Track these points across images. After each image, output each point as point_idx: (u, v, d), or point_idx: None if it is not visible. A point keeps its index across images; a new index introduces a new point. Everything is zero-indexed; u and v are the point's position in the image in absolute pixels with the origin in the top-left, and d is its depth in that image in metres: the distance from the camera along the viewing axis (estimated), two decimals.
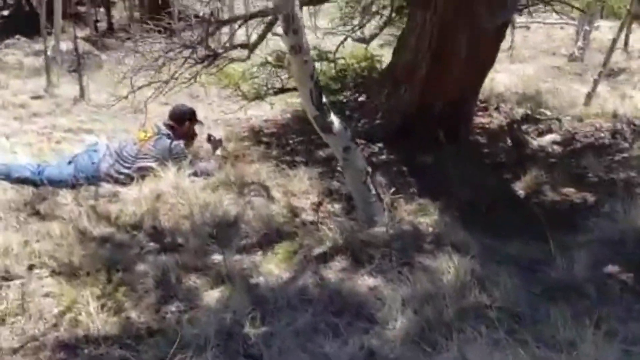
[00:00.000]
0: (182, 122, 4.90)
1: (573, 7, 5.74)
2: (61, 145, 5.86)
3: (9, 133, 6.16)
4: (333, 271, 3.19)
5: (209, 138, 5.11)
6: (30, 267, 3.18)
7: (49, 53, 9.85)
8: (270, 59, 5.70)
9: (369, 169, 3.61)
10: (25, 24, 12.64)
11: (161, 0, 14.12)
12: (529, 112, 6.11)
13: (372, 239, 3.42)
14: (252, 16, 4.71)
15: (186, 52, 4.83)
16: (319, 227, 3.68)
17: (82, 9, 13.87)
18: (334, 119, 3.47)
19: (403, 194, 4.20)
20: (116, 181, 4.48)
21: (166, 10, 5.78)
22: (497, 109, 6.02)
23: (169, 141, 4.61)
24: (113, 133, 6.26)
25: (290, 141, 5.62)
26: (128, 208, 3.93)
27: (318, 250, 3.36)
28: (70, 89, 8.14)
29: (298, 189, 4.35)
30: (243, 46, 4.73)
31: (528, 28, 11.46)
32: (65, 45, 10.76)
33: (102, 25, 14.17)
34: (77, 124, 6.69)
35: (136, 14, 13.18)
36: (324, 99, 3.44)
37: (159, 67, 4.65)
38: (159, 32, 4.86)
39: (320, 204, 4.23)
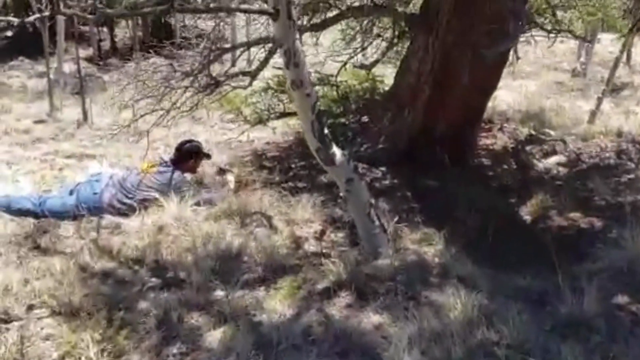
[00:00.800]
0: (187, 159, 4.89)
1: (576, 37, 5.67)
2: (64, 172, 5.84)
3: (11, 160, 6.14)
4: (337, 308, 3.12)
5: (219, 170, 5.06)
6: (30, 307, 3.12)
7: (51, 76, 9.88)
8: (271, 83, 5.66)
9: (372, 201, 3.55)
10: (29, 45, 12.68)
11: (164, 21, 14.25)
12: (533, 132, 6.05)
13: (376, 272, 3.35)
14: (253, 44, 4.67)
15: (187, 81, 4.79)
16: (323, 259, 3.62)
17: (85, 29, 13.89)
18: (336, 151, 3.42)
19: (407, 222, 4.14)
20: (118, 212, 4.43)
21: (168, 32, 5.76)
22: (500, 129, 5.96)
23: (171, 173, 4.56)
24: (116, 159, 6.25)
25: (293, 165, 5.56)
26: (130, 241, 3.88)
27: (322, 285, 3.29)
28: (73, 112, 8.13)
29: (301, 217, 4.29)
30: (245, 74, 4.68)
31: (529, 43, 11.43)
32: (68, 67, 10.80)
33: (106, 44, 14.24)
34: (80, 149, 6.66)
35: (139, 34, 13.18)
36: (326, 131, 3.39)
37: (161, 96, 4.61)
38: (165, 56, 4.84)
39: (323, 233, 4.17)
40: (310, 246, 3.97)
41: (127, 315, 3.07)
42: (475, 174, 5.06)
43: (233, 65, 5.03)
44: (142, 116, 4.74)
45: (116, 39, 14.35)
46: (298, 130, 6.76)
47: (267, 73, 6.14)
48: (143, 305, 3.16)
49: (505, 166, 5.26)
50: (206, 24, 11.65)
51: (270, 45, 4.70)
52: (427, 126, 4.87)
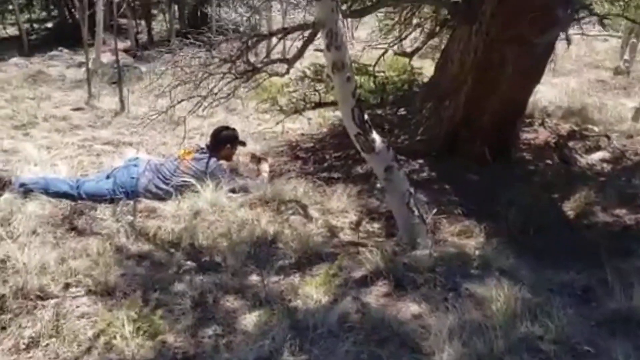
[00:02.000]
0: (223, 145, 4.85)
1: (628, 19, 5.48)
2: (101, 158, 5.86)
3: (50, 145, 6.20)
4: (374, 296, 3.05)
5: (253, 156, 5.03)
6: (66, 286, 3.12)
7: (90, 65, 10.00)
8: (308, 72, 5.60)
9: (412, 190, 3.46)
10: (69, 36, 12.87)
11: (200, 13, 14.31)
12: (575, 128, 5.87)
13: (415, 262, 3.27)
14: (292, 30, 4.61)
15: (225, 67, 4.76)
16: (359, 248, 3.55)
17: (123, 21, 14.05)
18: (376, 137, 3.34)
19: (446, 214, 4.04)
20: (155, 196, 4.42)
21: (206, 25, 5.76)
22: (542, 124, 5.80)
23: (207, 160, 4.53)
24: (152, 146, 6.28)
25: (328, 156, 5.50)
26: (166, 225, 3.86)
27: (358, 274, 3.22)
28: (110, 101, 8.19)
29: (336, 207, 4.23)
30: (282, 60, 4.63)
31: (569, 41, 11.17)
32: (106, 58, 10.93)
33: (143, 37, 14.38)
34: (117, 136, 6.70)
35: (176, 27, 13.26)
36: (366, 117, 3.32)
37: (198, 81, 4.59)
38: (199, 46, 4.81)
39: (359, 223, 4.10)
40: (346, 235, 3.91)
41: (163, 296, 3.05)
42: (516, 168, 4.92)
43: (268, 54, 4.96)
44: (179, 102, 4.71)
45: (153, 32, 14.50)
46: (333, 122, 6.72)
47: (304, 62, 6.11)
48: (179, 287, 3.13)
49: (547, 161, 5.11)
50: (242, 18, 11.70)
51: (309, 31, 4.64)
52: (468, 118, 4.75)
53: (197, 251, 3.57)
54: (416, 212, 3.45)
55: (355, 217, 4.18)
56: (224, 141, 4.78)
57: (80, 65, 10.59)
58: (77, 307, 2.94)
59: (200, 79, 4.67)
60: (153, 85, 5.70)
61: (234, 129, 4.95)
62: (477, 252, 3.52)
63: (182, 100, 4.77)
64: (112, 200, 4.35)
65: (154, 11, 15.81)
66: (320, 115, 6.67)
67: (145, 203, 4.27)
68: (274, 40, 4.93)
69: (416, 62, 6.76)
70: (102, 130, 6.97)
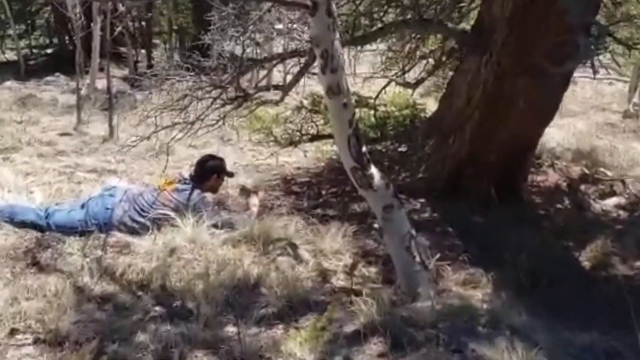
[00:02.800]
0: (209, 176, 4.39)
1: None
2: (81, 186, 5.46)
3: (30, 171, 5.82)
4: (368, 356, 2.61)
5: (243, 189, 4.63)
6: (12, 332, 2.69)
7: (83, 91, 9.69)
8: (305, 102, 5.25)
9: (414, 232, 3.05)
10: (67, 62, 12.62)
11: (202, 44, 14.11)
12: (586, 171, 5.49)
13: (415, 316, 2.84)
14: (287, 56, 4.29)
15: (215, 92, 4.43)
16: (352, 297, 3.12)
17: (124, 49, 13.83)
18: (375, 172, 2.95)
19: (450, 261, 3.63)
20: (130, 230, 4.01)
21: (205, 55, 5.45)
22: (551, 165, 5.42)
23: (190, 191, 4.13)
24: (138, 175, 5.89)
25: (323, 192, 5.11)
26: (137, 263, 3.44)
27: (350, 328, 2.79)
28: (100, 127, 7.85)
29: (329, 248, 3.81)
30: (276, 87, 4.30)
31: (575, 83, 10.87)
32: (101, 84, 10.62)
33: (144, 66, 14.14)
34: (102, 164, 6.31)
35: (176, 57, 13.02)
36: (364, 149, 2.93)
37: (185, 106, 4.24)
38: (187, 69, 4.47)
39: (354, 266, 3.68)
40: (339, 281, 3.49)
41: (122, 348, 2.62)
42: (525, 212, 4.52)
43: (260, 80, 4.61)
44: (163, 128, 4.37)
45: (154, 61, 14.25)
46: (331, 156, 6.34)
47: (303, 92, 5.78)
48: (141, 337, 2.70)
49: (558, 205, 4.71)
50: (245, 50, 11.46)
51: (305, 58, 4.31)
52: (474, 156, 4.38)
53: (168, 294, 3.15)
54: (417, 258, 3.03)
55: (350, 259, 3.76)
56: (209, 171, 4.37)
57: (74, 90, 10.28)
58: (20, 358, 2.51)
59: (187, 103, 4.33)
60: (145, 112, 5.35)
61: (221, 159, 4.55)
62: (484, 306, 3.10)
63: (167, 126, 4.42)
64: (83, 233, 3.93)
65: (156, 40, 15.65)
66: (318, 150, 6.30)
67: (118, 237, 3.86)
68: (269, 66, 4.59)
69: (420, 99, 6.44)
70: (87, 157, 6.59)
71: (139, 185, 4.95)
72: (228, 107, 4.23)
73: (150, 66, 13.87)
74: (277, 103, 4.29)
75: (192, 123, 4.30)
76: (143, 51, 14.58)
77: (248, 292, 3.16)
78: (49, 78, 12.11)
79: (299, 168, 6.05)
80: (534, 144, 4.59)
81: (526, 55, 3.88)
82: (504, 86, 4.06)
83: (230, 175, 4.62)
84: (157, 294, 3.14)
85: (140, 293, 3.14)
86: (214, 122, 4.44)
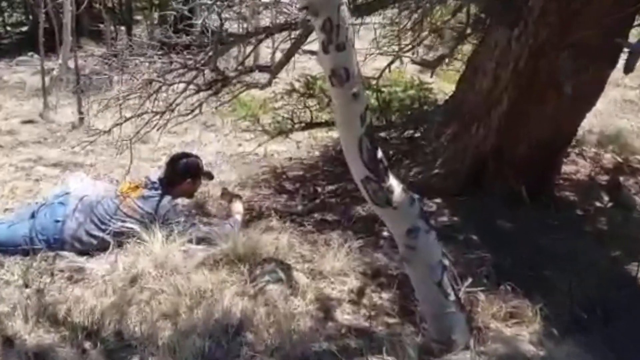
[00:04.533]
0: (182, 179, 3.56)
1: None
2: (41, 184, 4.67)
3: None
4: None
5: (224, 193, 3.83)
6: None
7: (54, 72, 8.82)
8: (297, 85, 4.43)
9: (446, 262, 2.28)
10: (44, 41, 11.68)
11: (184, 20, 13.12)
12: (619, 158, 4.74)
13: None
14: (275, 30, 3.47)
15: (189, 76, 3.62)
16: (364, 342, 2.38)
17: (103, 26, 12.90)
18: (395, 184, 2.17)
19: (482, 286, 2.86)
20: (86, 247, 3.23)
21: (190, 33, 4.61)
22: (580, 153, 4.66)
23: (159, 199, 3.34)
24: (108, 169, 5.08)
25: (319, 189, 4.32)
26: (89, 298, 2.67)
27: None
28: (70, 113, 7.00)
29: (330, 268, 3.04)
30: (262, 69, 3.48)
31: None
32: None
33: (124, 44, 13.17)
34: (68, 156, 5.50)
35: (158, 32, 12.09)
36: (380, 154, 2.15)
37: (149, 94, 3.43)
38: (155, 47, 3.66)
39: (362, 292, 2.93)
40: (345, 314, 2.73)
41: None
42: (560, 213, 3.76)
43: (244, 61, 3.77)
44: (127, 119, 3.56)
45: (134, 38, 13.30)
46: (327, 143, 5.54)
47: (292, 74, 4.97)
48: None
49: (597, 204, 3.95)
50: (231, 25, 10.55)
51: (298, 32, 3.50)
52: (501, 147, 3.61)
53: (123, 345, 2.38)
54: (452, 296, 2.27)
55: (357, 281, 3.00)
56: (183, 174, 3.55)
57: (47, 72, 9.42)
58: None
59: (155, 90, 3.52)
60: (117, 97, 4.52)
61: (196, 157, 3.72)
62: (540, 353, 2.35)
63: (132, 117, 3.61)
64: (28, 252, 3.15)
65: (138, 17, 14.67)
66: (311, 135, 5.51)
67: (69, 259, 3.08)
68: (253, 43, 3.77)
69: (423, 76, 5.62)
70: (52, 149, 5.76)
71: (104, 184, 4.14)
72: (204, 94, 3.43)
73: (130, 44, 12.96)
74: (263, 87, 3.49)
75: (162, 113, 3.49)
76: (123, 28, 13.64)
77: (228, 339, 2.39)
78: (21, 58, 11.20)
79: (290, 159, 5.26)
80: (573, 134, 3.82)
81: (571, 27, 3.09)
82: (541, 64, 3.27)
83: (209, 177, 3.82)
84: (110, 345, 2.37)
85: (87, 344, 2.36)
86: (188, 111, 3.63)
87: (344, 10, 1.91)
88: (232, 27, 6.89)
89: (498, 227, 3.55)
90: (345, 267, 3.07)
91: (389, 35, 4.83)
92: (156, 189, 3.39)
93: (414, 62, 4.34)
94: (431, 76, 4.20)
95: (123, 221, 3.24)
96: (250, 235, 3.19)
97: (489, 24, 3.55)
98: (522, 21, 3.26)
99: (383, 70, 4.43)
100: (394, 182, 2.18)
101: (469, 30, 3.90)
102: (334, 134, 5.53)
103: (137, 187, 3.43)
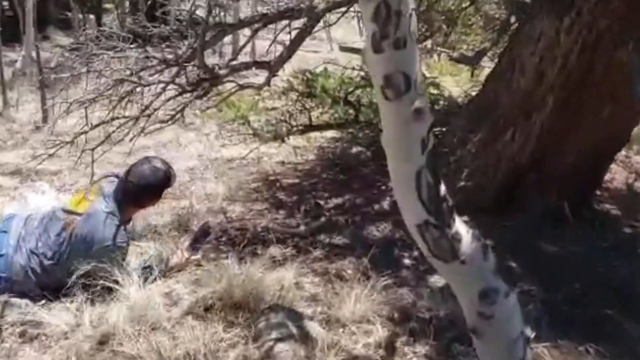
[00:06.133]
0: (148, 199, 2.84)
1: None
2: None
3: None
4: None
5: (203, 229, 3.09)
6: None
7: (17, 65, 8.05)
8: (295, 82, 3.79)
9: (529, 333, 1.68)
10: (7, 31, 10.81)
11: (160, 10, 12.25)
12: None
13: None
14: (274, 19, 2.82)
15: (169, 73, 2.97)
16: None
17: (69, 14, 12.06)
18: (462, 229, 1.57)
19: (545, 339, 2.27)
20: (43, 285, 2.56)
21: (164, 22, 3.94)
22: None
23: (114, 224, 2.63)
24: (74, 177, 4.39)
25: (322, 202, 3.70)
26: None
27: None
28: (33, 110, 6.25)
29: (349, 313, 2.43)
30: (259, 65, 2.83)
31: None
32: (42, 55, 8.92)
33: (92, 33, 12.31)
34: (30, 162, 4.76)
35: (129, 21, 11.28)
36: (443, 190, 1.54)
37: (123, 96, 2.76)
38: (127, 40, 2.99)
39: (392, 346, 2.33)
40: None
41: None
42: (606, 231, 3.20)
43: (236, 55, 3.09)
44: (92, 128, 2.89)
45: (104, 27, 12.45)
46: (320, 145, 4.91)
47: (288, 69, 4.31)
48: None
49: None
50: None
51: (301, 22, 2.86)
52: (542, 157, 3.02)
53: None
54: None
55: (384, 330, 2.39)
56: (151, 193, 2.81)
57: (10, 64, 8.60)
58: None
59: (127, 91, 2.85)
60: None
61: (168, 167, 2.84)
62: None
63: (99, 124, 2.94)
64: None
65: (108, 4, 13.80)
66: (304, 136, 4.88)
67: (22, 309, 2.42)
68: (246, 34, 3.11)
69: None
70: (9, 153, 5.06)
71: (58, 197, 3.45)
72: (188, 96, 2.77)
73: (99, 33, 12.09)
74: (261, 87, 2.84)
75: (137, 118, 2.83)
76: (92, 16, 12.79)
77: None
78: None
79: (283, 163, 4.62)
80: (627, 139, 3.25)
81: (636, 15, 2.51)
82: (596, 59, 2.69)
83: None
84: None
85: None
86: (168, 116, 2.98)
87: None
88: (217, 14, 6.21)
89: (540, 251, 2.98)
90: (366, 310, 2.46)
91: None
92: (106, 204, 2.66)
93: (451, 58, 3.71)
94: (472, 76, 3.57)
95: (67, 252, 2.56)
96: (248, 271, 2.55)
97: (530, 13, 2.94)
98: (575, 9, 2.66)
99: None
100: (461, 227, 1.57)
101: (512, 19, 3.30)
102: (329, 134, 4.92)
103: (82, 200, 2.70)
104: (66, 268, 2.49)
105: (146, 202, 2.82)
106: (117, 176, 2.82)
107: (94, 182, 2.90)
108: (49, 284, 2.55)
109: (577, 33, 2.67)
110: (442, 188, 1.54)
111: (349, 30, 7.22)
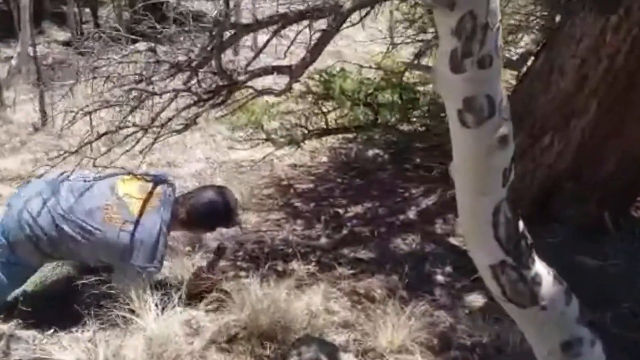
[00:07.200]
0: (204, 228, 2.71)
1: None
2: None
3: None
4: None
5: (218, 249, 2.85)
6: None
7: (13, 62, 7.77)
8: (311, 84, 3.55)
9: None
10: (6, 27, 10.51)
11: (171, 10, 11.85)
12: None
13: None
14: (295, 18, 2.58)
15: (180, 78, 2.73)
16: None
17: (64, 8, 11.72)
18: (542, 271, 1.36)
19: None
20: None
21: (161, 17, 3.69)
22: None
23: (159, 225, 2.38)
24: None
25: (341, 211, 3.48)
26: None
27: None
28: (32, 110, 5.99)
29: (386, 342, 2.22)
30: (279, 70, 2.59)
31: None
32: (39, 51, 8.64)
33: (90, 28, 11.98)
34: (29, 166, 4.54)
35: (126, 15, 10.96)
36: (522, 225, 1.33)
37: (134, 106, 2.53)
38: (132, 40, 2.75)
39: None
40: None
41: None
42: None
43: (255, 57, 2.84)
44: (99, 137, 2.65)
45: (100, 21, 12.13)
46: (331, 146, 4.68)
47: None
48: None
49: None
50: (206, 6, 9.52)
51: (324, 21, 2.62)
52: (581, 164, 2.81)
53: None
54: None
55: None
56: (207, 225, 2.64)
57: (6, 60, 8.33)
58: None
59: (139, 99, 2.62)
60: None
61: (229, 203, 2.62)
62: None
63: (105, 133, 2.71)
64: None
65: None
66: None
67: (29, 343, 2.19)
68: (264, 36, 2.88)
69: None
70: (8, 158, 4.80)
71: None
72: (204, 105, 2.54)
73: (97, 26, 11.75)
74: (281, 94, 2.62)
75: (146, 130, 2.59)
76: (87, 10, 12.45)
77: None
78: None
79: (295, 166, 4.40)
80: None
81: None
82: None
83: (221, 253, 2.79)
84: None
85: None
86: (181, 125, 2.74)
87: (496, 1, 1.07)
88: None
89: (581, 267, 2.77)
90: (405, 338, 2.24)
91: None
92: (165, 205, 2.44)
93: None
94: (518, 80, 3.33)
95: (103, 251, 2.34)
96: (273, 296, 2.33)
97: (570, 10, 2.72)
98: (623, 6, 2.44)
99: (413, 60, 3.59)
100: (541, 268, 1.36)
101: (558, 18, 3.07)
102: (341, 134, 4.68)
103: (141, 178, 2.48)
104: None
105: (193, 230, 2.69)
106: (168, 182, 2.57)
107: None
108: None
109: (625, 32, 2.45)
110: (521, 224, 1.33)
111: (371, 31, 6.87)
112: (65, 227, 2.28)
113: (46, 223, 2.29)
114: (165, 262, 2.71)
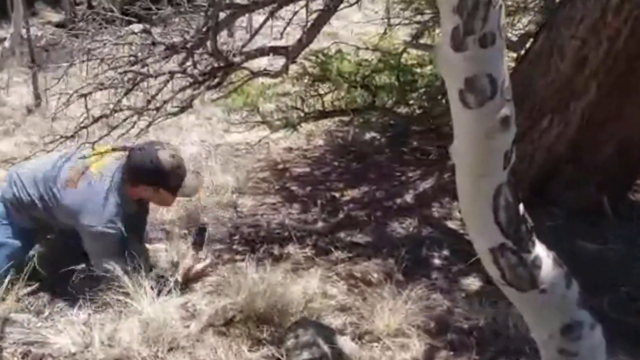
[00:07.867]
0: (137, 182, 2.42)
1: None
2: None
3: None
4: None
5: (199, 229, 2.66)
6: None
7: (6, 43, 7.65)
8: (308, 65, 3.51)
9: None
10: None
11: None
12: None
13: None
14: None
15: (173, 61, 2.70)
16: None
17: None
18: (542, 254, 1.34)
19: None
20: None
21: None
22: None
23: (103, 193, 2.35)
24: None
25: (338, 195, 3.46)
26: None
27: None
28: (25, 92, 5.94)
29: (383, 326, 2.21)
30: (276, 50, 2.55)
31: None
32: (33, 32, 8.53)
33: (83, 8, 11.86)
34: (23, 149, 4.50)
35: None
36: (522, 208, 1.31)
37: (129, 88, 2.49)
38: (127, 21, 2.71)
39: None
40: None
41: None
42: None
43: (251, 39, 2.80)
44: (93, 122, 2.62)
45: (94, 2, 12.00)
46: (327, 129, 4.65)
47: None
48: None
49: None
50: None
51: (321, 1, 2.58)
52: (581, 148, 2.79)
53: None
54: None
55: (422, 344, 2.17)
56: (140, 178, 2.40)
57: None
58: None
59: (133, 81, 2.58)
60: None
61: (172, 153, 2.42)
62: None
63: (100, 117, 2.67)
64: None
65: None
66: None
67: (24, 326, 2.17)
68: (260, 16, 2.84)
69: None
70: (2, 140, 4.76)
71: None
72: (199, 87, 2.50)
73: (91, 7, 11.61)
74: (277, 75, 2.58)
75: (141, 113, 2.56)
76: None
77: None
78: None
79: (290, 149, 4.38)
80: None
81: None
82: None
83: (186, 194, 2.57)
84: None
85: None
86: (177, 107, 2.71)
87: None
88: None
89: (581, 251, 2.76)
90: (402, 322, 2.23)
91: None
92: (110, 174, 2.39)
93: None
94: (517, 62, 3.29)
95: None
96: (270, 279, 2.31)
97: None
98: None
99: (410, 42, 3.54)
100: (541, 251, 1.34)
101: None
102: (337, 117, 4.65)
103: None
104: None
105: (141, 191, 2.46)
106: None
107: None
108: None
109: (627, 13, 2.41)
110: (521, 207, 1.31)
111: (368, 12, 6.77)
112: (41, 189, 2.37)
113: (28, 184, 2.40)
114: (160, 245, 2.70)
